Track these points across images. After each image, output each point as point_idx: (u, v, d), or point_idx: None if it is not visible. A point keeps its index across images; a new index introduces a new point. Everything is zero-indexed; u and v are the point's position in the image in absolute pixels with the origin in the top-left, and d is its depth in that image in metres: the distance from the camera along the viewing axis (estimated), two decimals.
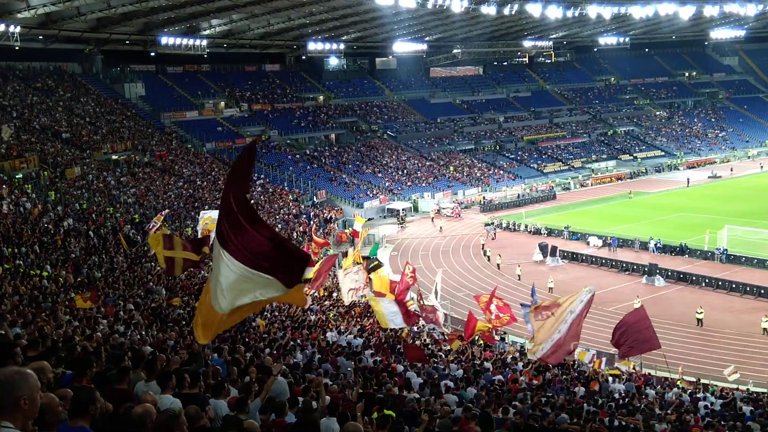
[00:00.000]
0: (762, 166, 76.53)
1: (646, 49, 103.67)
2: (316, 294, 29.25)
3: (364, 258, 36.62)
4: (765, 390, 22.02)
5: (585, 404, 14.96)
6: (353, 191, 61.73)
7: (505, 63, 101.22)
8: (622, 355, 20.23)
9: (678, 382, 22.06)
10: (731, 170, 74.60)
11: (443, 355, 21.54)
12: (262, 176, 58.60)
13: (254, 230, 5.92)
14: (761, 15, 75.31)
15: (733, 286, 35.65)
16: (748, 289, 35.02)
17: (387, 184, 64.84)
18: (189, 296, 24.48)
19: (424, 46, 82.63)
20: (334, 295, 30.76)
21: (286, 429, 7.19)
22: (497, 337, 28.07)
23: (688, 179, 68.73)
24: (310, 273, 29.51)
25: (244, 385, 8.42)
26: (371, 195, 61.34)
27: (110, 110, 60.08)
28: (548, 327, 17.32)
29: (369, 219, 56.56)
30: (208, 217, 28.79)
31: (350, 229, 43.55)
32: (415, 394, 12.85)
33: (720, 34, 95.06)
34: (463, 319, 27.71)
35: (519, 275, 39.66)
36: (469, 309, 30.44)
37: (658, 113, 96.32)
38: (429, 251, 47.62)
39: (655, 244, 43.60)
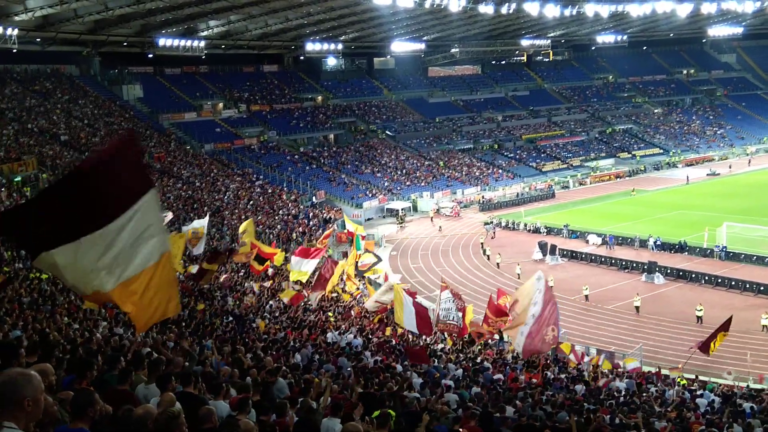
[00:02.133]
0: (750, 162, 76.65)
1: (644, 47, 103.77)
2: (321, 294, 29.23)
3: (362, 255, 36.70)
4: (765, 386, 22.03)
5: (585, 402, 14.99)
6: (352, 191, 61.73)
7: (503, 62, 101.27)
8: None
9: (678, 380, 22.07)
10: (730, 167, 74.68)
11: (443, 355, 21.54)
12: (261, 177, 58.60)
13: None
14: (759, 12, 75.48)
15: (733, 283, 35.67)
16: (747, 286, 35.03)
17: (386, 183, 64.85)
18: (189, 297, 24.46)
19: (422, 46, 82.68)
20: (334, 295, 30.77)
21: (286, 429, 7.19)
22: (496, 336, 28.07)
23: (687, 176, 68.83)
24: (303, 274, 29.47)
25: (243, 385, 8.41)
26: (370, 195, 61.34)
27: (108, 112, 60.07)
28: (516, 325, 17.52)
29: (368, 219, 56.62)
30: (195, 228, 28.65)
31: (346, 231, 43.59)
32: (415, 394, 12.85)
33: (718, 31, 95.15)
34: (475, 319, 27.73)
35: (519, 274, 39.66)
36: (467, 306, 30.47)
37: (656, 111, 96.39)
38: (428, 251, 47.64)
39: (655, 242, 43.63)
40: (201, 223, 28.78)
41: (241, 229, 32.45)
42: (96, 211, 5.36)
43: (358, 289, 32.76)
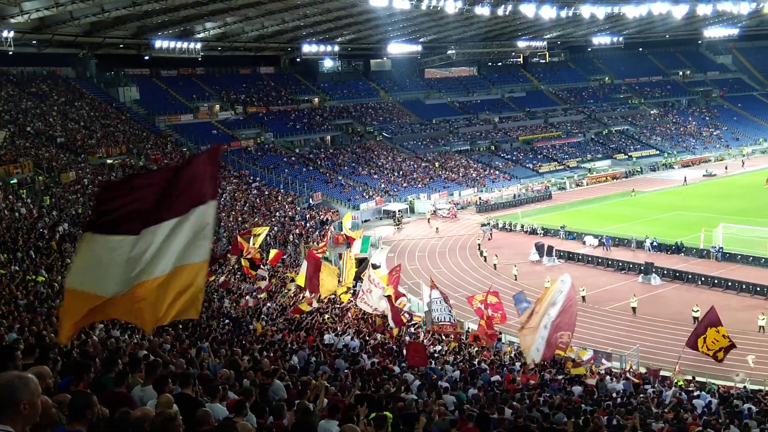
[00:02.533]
0: (744, 164, 76.97)
1: (640, 49, 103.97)
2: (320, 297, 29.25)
3: (360, 261, 36.67)
4: (762, 387, 22.06)
5: (582, 404, 15.00)
6: (349, 193, 61.72)
7: (500, 63, 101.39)
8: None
9: (675, 381, 22.11)
10: (726, 168, 74.85)
11: (440, 356, 21.53)
12: (258, 179, 58.57)
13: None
14: (754, 13, 75.63)
15: (729, 284, 35.70)
16: (743, 286, 35.07)
17: (383, 185, 64.85)
18: None
19: (418, 48, 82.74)
20: (331, 297, 30.71)
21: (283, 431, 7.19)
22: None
23: (685, 177, 69.02)
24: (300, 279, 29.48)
25: (245, 389, 8.42)
26: (367, 196, 61.34)
27: (105, 114, 59.99)
28: (533, 326, 17.27)
29: (365, 221, 56.59)
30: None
31: (343, 233, 43.58)
32: (412, 396, 12.85)
33: (713, 32, 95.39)
34: (461, 319, 27.77)
35: (516, 275, 39.71)
36: (466, 309, 30.52)
37: (652, 112, 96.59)
38: (425, 252, 47.64)
39: (651, 243, 43.70)
40: None
41: (255, 230, 32.85)
42: (159, 208, 5.88)
43: (352, 290, 32.69)
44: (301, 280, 29.12)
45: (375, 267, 34.72)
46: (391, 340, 23.70)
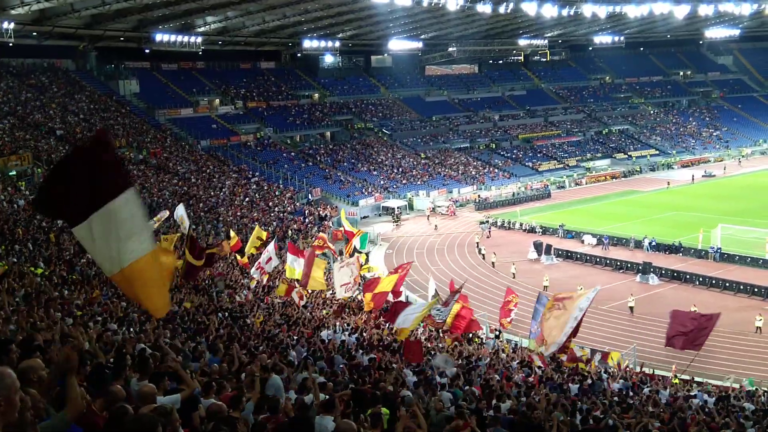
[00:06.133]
0: (740, 162, 77.28)
1: (641, 48, 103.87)
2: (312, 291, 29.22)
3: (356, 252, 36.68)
4: (758, 387, 22.09)
5: (579, 402, 15.00)
6: (348, 189, 61.68)
7: (501, 61, 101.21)
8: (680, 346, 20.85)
9: (674, 380, 22.14)
10: (724, 169, 74.88)
11: (437, 353, 21.52)
12: (257, 173, 58.51)
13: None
14: (756, 14, 75.58)
15: (727, 284, 35.77)
16: (741, 287, 35.13)
17: (382, 182, 64.81)
18: (181, 292, 24.41)
19: (419, 44, 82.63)
20: (328, 293, 30.71)
21: (280, 427, 7.17)
22: (492, 335, 28.15)
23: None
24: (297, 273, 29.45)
25: (241, 384, 8.42)
26: (366, 193, 61.30)
27: (104, 107, 59.87)
28: (561, 323, 18.03)
29: (364, 217, 56.57)
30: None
31: (342, 228, 43.44)
32: (408, 392, 12.84)
33: (715, 33, 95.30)
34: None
35: (514, 273, 39.72)
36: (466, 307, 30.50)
37: (652, 112, 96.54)
38: (424, 249, 47.65)
39: (650, 243, 43.73)
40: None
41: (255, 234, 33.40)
42: (92, 194, 5.62)
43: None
44: (291, 273, 29.19)
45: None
46: (389, 336, 23.69)
